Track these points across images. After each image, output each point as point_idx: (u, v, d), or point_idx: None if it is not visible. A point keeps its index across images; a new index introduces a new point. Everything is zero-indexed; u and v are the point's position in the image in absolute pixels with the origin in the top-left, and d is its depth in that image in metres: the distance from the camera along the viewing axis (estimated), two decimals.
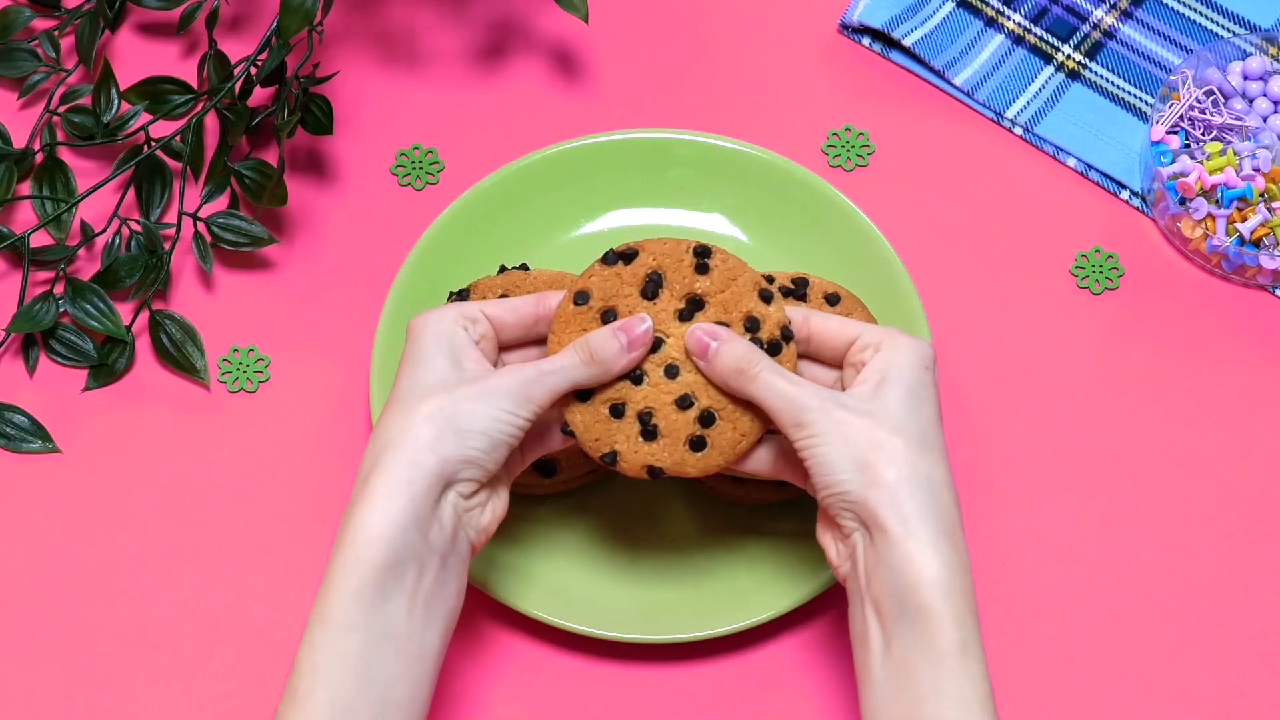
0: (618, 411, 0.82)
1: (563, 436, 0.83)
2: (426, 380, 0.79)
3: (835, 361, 0.83)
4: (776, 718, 0.90)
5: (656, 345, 0.84)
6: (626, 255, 0.83)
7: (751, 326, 0.82)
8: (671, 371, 0.82)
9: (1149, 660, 0.91)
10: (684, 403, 0.82)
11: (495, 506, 0.81)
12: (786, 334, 0.82)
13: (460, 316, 0.82)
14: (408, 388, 0.80)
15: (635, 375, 0.83)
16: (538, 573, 0.90)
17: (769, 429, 0.83)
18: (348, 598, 0.75)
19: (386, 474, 0.77)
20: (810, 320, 0.83)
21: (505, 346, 0.84)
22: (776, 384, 0.79)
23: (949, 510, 0.77)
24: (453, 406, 0.78)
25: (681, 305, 0.83)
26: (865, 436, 0.77)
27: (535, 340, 0.84)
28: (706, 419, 0.82)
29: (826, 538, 0.80)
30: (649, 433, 0.82)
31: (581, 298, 0.82)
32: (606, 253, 0.83)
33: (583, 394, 0.83)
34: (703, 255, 0.83)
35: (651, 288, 0.83)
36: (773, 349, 0.82)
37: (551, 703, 0.90)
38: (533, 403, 0.80)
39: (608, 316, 0.82)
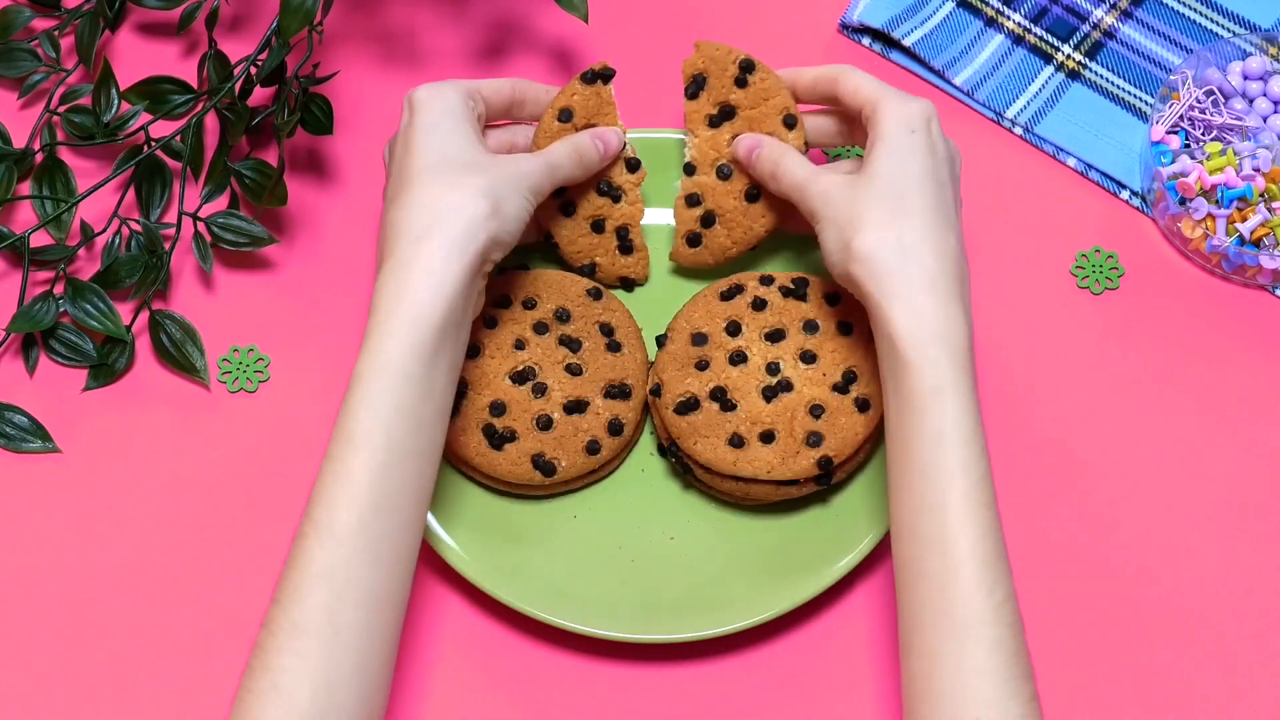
0: (598, 226, 0.93)
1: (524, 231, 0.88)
2: (458, 154, 0.84)
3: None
4: (776, 718, 0.91)
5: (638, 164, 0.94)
6: (604, 75, 0.92)
7: None
8: (689, 170, 0.94)
9: (1147, 659, 0.91)
10: (691, 200, 0.94)
11: (481, 290, 0.86)
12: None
13: (465, 94, 0.87)
14: (438, 158, 0.84)
15: (614, 193, 0.93)
16: (537, 572, 0.91)
17: (760, 238, 0.94)
18: (407, 352, 0.79)
19: (444, 239, 0.80)
20: (842, 80, 0.87)
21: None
22: (796, 171, 0.86)
23: (930, 267, 0.79)
24: (498, 188, 0.83)
25: (714, 111, 0.94)
26: (846, 213, 0.82)
27: (502, 118, 0.92)
28: (707, 219, 0.93)
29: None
30: (625, 247, 0.93)
31: (565, 115, 0.92)
32: (586, 71, 0.93)
33: (566, 208, 0.92)
34: (746, 70, 0.93)
35: (694, 88, 0.94)
36: None
37: (551, 702, 0.91)
38: (539, 194, 0.86)
39: None
